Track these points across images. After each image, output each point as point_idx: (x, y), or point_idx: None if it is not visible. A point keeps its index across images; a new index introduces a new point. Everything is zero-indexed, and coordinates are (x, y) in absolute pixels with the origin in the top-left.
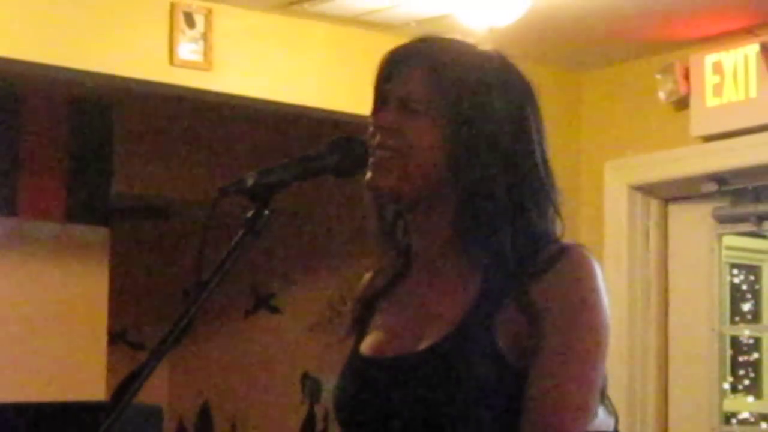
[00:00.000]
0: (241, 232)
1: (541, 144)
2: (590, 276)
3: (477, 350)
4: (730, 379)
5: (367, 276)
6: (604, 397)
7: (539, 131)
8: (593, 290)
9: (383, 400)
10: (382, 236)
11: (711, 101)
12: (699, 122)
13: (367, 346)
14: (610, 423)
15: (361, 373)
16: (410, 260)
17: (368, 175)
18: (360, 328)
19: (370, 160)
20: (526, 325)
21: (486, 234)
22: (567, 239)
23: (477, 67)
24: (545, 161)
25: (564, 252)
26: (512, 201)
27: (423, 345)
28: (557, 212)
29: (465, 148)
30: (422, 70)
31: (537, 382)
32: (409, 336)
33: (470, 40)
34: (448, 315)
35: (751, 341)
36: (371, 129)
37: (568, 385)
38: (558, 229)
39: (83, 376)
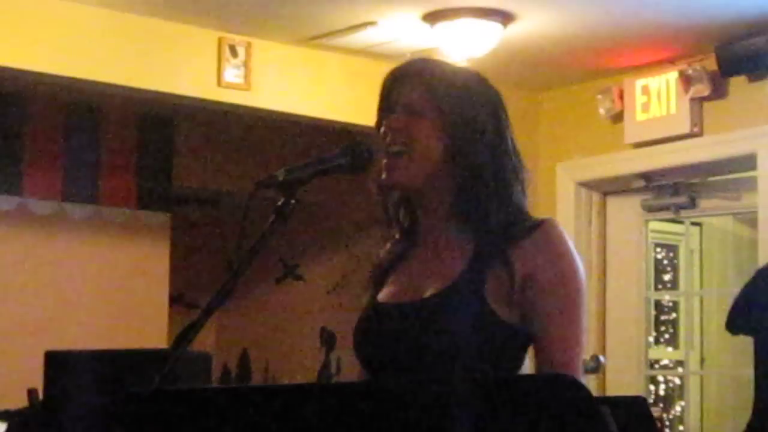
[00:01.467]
0: (272, 217)
1: (511, 137)
2: (563, 242)
3: (468, 299)
4: (654, 333)
5: (387, 246)
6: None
7: (509, 127)
8: (569, 255)
9: (394, 337)
10: (388, 220)
11: (640, 116)
12: (631, 132)
13: (383, 296)
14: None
15: (376, 316)
16: (418, 235)
17: (383, 175)
18: (377, 285)
19: (384, 161)
20: (508, 282)
21: (479, 209)
22: None
23: (462, 78)
24: (516, 149)
25: (540, 224)
26: (497, 181)
27: (426, 294)
28: (524, 190)
29: (459, 140)
30: (421, 82)
31: (545, 345)
32: (415, 288)
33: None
34: (448, 273)
35: (671, 304)
36: (383, 130)
37: (571, 348)
38: (528, 204)
39: (149, 330)
